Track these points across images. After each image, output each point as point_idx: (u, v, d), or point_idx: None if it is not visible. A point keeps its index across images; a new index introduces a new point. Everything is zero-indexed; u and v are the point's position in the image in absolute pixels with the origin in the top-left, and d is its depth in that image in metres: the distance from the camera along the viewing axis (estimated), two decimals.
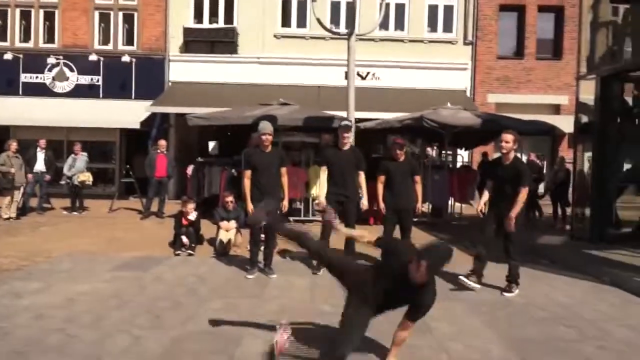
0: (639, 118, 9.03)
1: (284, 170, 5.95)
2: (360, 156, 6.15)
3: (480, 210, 5.63)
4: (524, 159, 11.76)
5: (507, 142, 5.20)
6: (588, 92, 8.55)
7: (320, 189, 6.07)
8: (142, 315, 4.28)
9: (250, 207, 5.72)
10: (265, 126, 5.80)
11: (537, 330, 4.09)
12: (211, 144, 10.98)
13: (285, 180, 5.97)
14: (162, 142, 10.75)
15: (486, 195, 5.57)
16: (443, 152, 12.52)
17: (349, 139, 6.06)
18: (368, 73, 14.50)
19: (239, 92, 13.50)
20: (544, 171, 12.32)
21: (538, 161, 12.03)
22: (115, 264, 6.23)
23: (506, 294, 5.17)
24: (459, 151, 12.62)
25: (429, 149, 12.99)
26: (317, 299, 4.89)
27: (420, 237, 8.83)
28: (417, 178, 6.36)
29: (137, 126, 13.31)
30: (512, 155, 5.24)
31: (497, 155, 6.06)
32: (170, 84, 14.60)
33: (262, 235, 6.00)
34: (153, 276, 5.72)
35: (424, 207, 11.29)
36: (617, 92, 8.29)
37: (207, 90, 13.87)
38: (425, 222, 10.48)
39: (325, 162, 6.06)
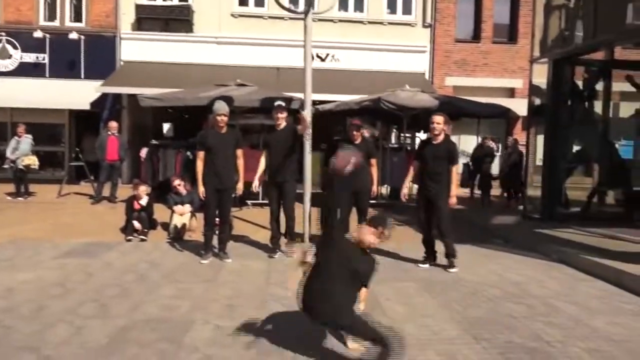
0: (589, 101, 9.30)
1: (239, 152, 5.79)
2: (294, 132, 5.98)
3: (404, 196, 5.69)
4: (479, 141, 12.02)
5: (438, 123, 5.32)
6: (541, 76, 8.73)
7: (258, 171, 5.97)
8: (87, 303, 4.09)
9: (201, 190, 5.57)
10: (221, 106, 5.62)
11: (488, 308, 4.16)
12: (166, 126, 10.63)
13: (241, 162, 5.82)
14: (113, 124, 10.31)
15: (410, 175, 5.67)
16: (402, 134, 12.60)
17: (282, 118, 5.93)
18: (327, 55, 14.35)
19: (195, 73, 13.10)
20: (497, 153, 12.59)
21: (490, 144, 12.27)
22: (61, 251, 5.95)
23: (450, 270, 5.33)
24: (417, 134, 12.71)
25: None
26: (273, 282, 4.81)
27: None
28: (373, 161, 6.33)
29: (87, 107, 12.74)
30: (442, 136, 5.37)
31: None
32: (122, 63, 14.00)
33: (217, 219, 5.85)
34: (102, 263, 5.50)
35: (383, 189, 11.38)
36: (568, 75, 8.48)
37: (161, 70, 13.37)
38: (384, 204, 10.55)
39: (264, 144, 6.03)
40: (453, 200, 5.40)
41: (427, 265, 5.53)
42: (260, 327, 3.60)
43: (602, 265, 5.23)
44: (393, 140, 13.49)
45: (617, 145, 9.39)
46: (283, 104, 6.18)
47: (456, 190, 5.45)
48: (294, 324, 3.61)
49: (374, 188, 6.41)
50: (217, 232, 5.86)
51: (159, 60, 13.73)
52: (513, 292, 4.64)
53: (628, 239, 6.56)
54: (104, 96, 13.42)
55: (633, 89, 9.56)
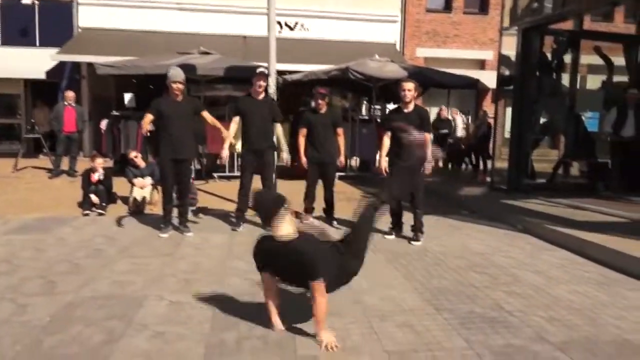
0: (557, 72, 9.30)
1: (205, 114, 5.58)
2: (275, 106, 5.85)
3: (384, 170, 5.48)
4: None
5: (409, 90, 5.16)
6: (511, 48, 8.65)
7: (226, 142, 5.73)
8: (34, 280, 3.86)
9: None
10: (176, 73, 5.31)
11: (451, 278, 4.11)
12: (127, 97, 10.17)
13: (211, 119, 5.64)
14: (70, 94, 9.80)
15: (385, 146, 5.41)
16: (372, 106, 12.45)
17: (264, 87, 5.67)
18: (297, 23, 13.97)
19: (157, 41, 12.56)
20: (459, 126, 12.62)
21: (450, 116, 12.32)
22: (11, 227, 5.65)
23: (415, 243, 5.24)
24: (387, 105, 12.59)
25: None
26: (234, 256, 4.66)
27: (347, 192, 8.79)
28: (340, 130, 6.16)
29: (43, 76, 12.12)
30: (413, 103, 5.22)
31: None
32: (79, 30, 13.32)
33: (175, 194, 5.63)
34: (54, 238, 5.23)
35: (353, 161, 11.28)
36: (537, 45, 8.42)
37: (121, 37, 12.78)
38: (353, 176, 10.47)
39: (237, 112, 5.72)
40: (428, 167, 5.29)
41: (393, 237, 5.47)
42: (218, 301, 3.46)
43: (566, 235, 5.25)
44: (364, 111, 13.34)
45: (583, 118, 9.46)
46: (266, 70, 5.80)
47: (431, 156, 5.34)
48: (253, 296, 3.48)
49: (341, 158, 6.27)
50: (176, 204, 5.66)
51: (118, 27, 13.12)
52: (477, 262, 4.61)
53: (591, 209, 6.63)
54: (62, 65, 12.79)
55: (600, 62, 9.62)
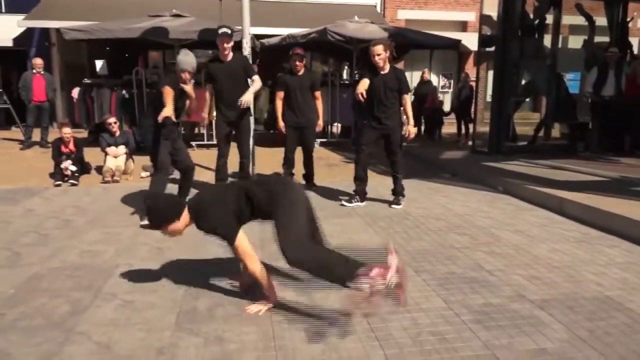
0: (539, 32, 9.15)
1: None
2: (247, 62, 5.57)
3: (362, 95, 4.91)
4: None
5: (378, 55, 4.76)
6: (492, 8, 8.45)
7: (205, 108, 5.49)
8: None
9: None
10: (188, 60, 4.42)
11: (431, 240, 4.05)
12: (98, 63, 9.77)
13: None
14: (38, 61, 9.37)
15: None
16: (354, 71, 12.19)
17: (229, 48, 5.29)
18: None
19: (129, 4, 12.05)
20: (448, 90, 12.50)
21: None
22: None
23: (395, 207, 5.14)
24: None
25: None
26: None
27: (328, 157, 8.67)
28: (317, 93, 5.98)
29: (10, 44, 11.58)
30: (388, 65, 4.87)
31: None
32: None
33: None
34: (23, 210, 5.04)
35: (334, 128, 11.12)
36: (519, 4, 8.24)
37: (90, 2, 12.23)
38: (334, 142, 10.34)
39: (210, 78, 5.39)
40: (412, 131, 5.05)
41: (352, 204, 5.20)
42: (192, 269, 3.35)
43: (546, 195, 5.22)
44: (345, 76, 13.08)
45: (565, 79, 9.38)
46: (229, 31, 5.25)
47: (412, 120, 5.06)
48: (228, 263, 3.37)
49: (320, 122, 6.11)
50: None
51: None
52: (457, 223, 4.56)
53: (571, 169, 6.62)
54: (30, 32, 12.24)
55: (581, 22, 9.49)
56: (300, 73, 5.84)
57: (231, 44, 5.35)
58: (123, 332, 2.49)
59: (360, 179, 5.23)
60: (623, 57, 8.59)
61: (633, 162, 7.26)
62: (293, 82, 5.81)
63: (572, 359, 2.26)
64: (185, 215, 2.68)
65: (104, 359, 2.26)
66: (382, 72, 4.91)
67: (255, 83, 5.44)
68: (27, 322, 2.60)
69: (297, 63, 5.80)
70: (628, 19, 9.23)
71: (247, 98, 5.23)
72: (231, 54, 5.36)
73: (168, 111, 4.24)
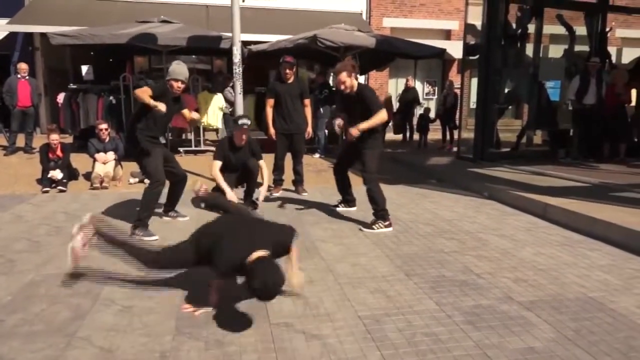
0: (521, 42, 9.39)
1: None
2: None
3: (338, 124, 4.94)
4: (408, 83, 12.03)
5: (343, 82, 4.50)
6: (476, 17, 8.66)
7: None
8: None
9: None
10: (180, 71, 4.39)
11: (420, 244, 4.16)
12: (84, 68, 9.71)
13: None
14: (23, 66, 9.27)
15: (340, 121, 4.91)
16: None
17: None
18: None
19: (115, 11, 12.02)
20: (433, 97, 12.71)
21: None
22: None
23: (365, 229, 4.61)
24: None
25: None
26: None
27: (315, 163, 8.76)
28: (307, 101, 6.09)
29: None
30: (355, 86, 4.58)
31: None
32: None
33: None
34: (12, 216, 5.02)
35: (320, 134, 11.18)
36: (502, 14, 8.46)
37: (76, 7, 12.15)
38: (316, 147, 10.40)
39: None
40: (354, 131, 4.53)
41: (340, 208, 5.30)
42: (187, 275, 3.38)
43: (530, 200, 5.38)
44: (331, 82, 13.19)
45: (545, 87, 9.63)
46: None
47: (364, 126, 4.51)
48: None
49: (309, 129, 6.20)
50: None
51: None
52: (445, 228, 4.67)
53: (553, 175, 6.81)
54: (13, 36, 12.10)
55: (562, 32, 9.76)
56: (290, 81, 5.93)
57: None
58: (124, 337, 2.53)
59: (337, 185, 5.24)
60: (602, 66, 8.86)
61: (612, 168, 7.51)
62: (283, 90, 5.90)
63: (559, 357, 2.37)
64: None
65: None
66: (352, 93, 4.63)
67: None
68: (28, 328, 2.62)
69: (288, 71, 5.89)
70: (607, 29, 9.53)
71: None
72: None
73: (159, 106, 4.13)
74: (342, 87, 4.55)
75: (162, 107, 4.16)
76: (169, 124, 5.14)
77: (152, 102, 4.12)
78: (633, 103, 9.04)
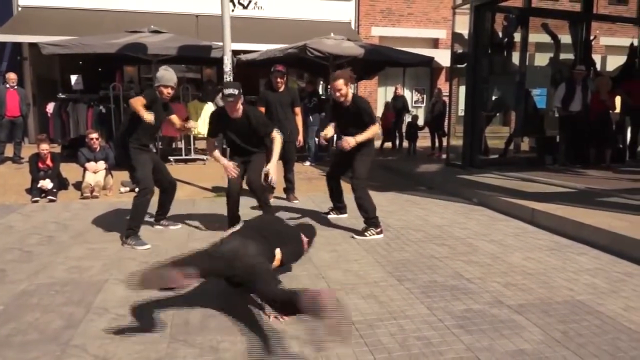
0: (507, 50, 9.55)
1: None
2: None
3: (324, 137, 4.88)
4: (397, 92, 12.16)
5: (339, 89, 4.49)
6: (463, 27, 8.81)
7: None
8: None
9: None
10: (168, 77, 4.41)
11: (412, 250, 4.21)
12: (73, 78, 9.69)
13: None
14: (12, 76, 9.25)
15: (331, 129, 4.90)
16: (329, 86, 12.41)
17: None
18: (250, 2, 13.63)
19: (105, 21, 12.03)
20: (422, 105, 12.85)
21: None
22: None
23: (357, 237, 4.62)
24: None
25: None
26: (193, 238, 4.59)
27: (306, 171, 8.80)
28: (298, 109, 6.14)
29: None
30: (350, 96, 4.59)
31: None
32: (19, 9, 12.55)
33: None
34: (2, 226, 5.00)
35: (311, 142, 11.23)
36: (489, 23, 8.61)
37: (65, 17, 12.15)
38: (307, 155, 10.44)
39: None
40: (350, 141, 4.54)
41: (332, 215, 5.37)
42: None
43: (518, 206, 5.46)
44: (320, 91, 13.28)
45: (532, 94, 9.79)
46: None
47: (360, 139, 4.53)
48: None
49: (300, 137, 6.25)
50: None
51: (62, 5, 12.45)
52: (436, 234, 4.73)
53: (541, 181, 6.91)
54: (2, 46, 12.08)
55: (547, 40, 9.95)
56: (281, 89, 5.99)
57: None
58: (119, 345, 2.54)
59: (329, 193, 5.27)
60: (588, 74, 9.03)
61: (598, 174, 7.64)
62: (274, 98, 5.95)
63: (548, 359, 2.42)
64: None
65: None
66: (346, 104, 4.65)
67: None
68: (21, 338, 2.62)
69: (278, 80, 5.94)
70: (591, 37, 9.73)
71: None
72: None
73: (148, 117, 4.14)
74: (338, 94, 4.54)
75: (150, 117, 4.18)
76: (159, 131, 5.15)
77: (143, 113, 4.14)
78: (617, 110, 9.21)
